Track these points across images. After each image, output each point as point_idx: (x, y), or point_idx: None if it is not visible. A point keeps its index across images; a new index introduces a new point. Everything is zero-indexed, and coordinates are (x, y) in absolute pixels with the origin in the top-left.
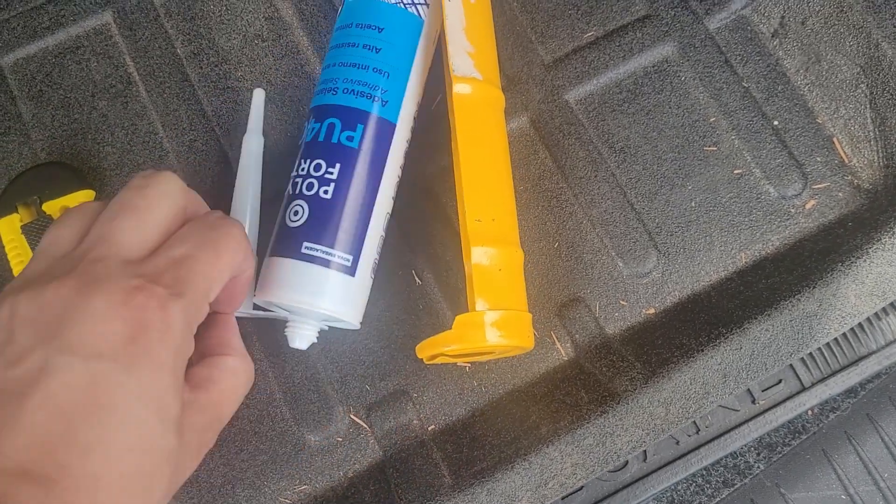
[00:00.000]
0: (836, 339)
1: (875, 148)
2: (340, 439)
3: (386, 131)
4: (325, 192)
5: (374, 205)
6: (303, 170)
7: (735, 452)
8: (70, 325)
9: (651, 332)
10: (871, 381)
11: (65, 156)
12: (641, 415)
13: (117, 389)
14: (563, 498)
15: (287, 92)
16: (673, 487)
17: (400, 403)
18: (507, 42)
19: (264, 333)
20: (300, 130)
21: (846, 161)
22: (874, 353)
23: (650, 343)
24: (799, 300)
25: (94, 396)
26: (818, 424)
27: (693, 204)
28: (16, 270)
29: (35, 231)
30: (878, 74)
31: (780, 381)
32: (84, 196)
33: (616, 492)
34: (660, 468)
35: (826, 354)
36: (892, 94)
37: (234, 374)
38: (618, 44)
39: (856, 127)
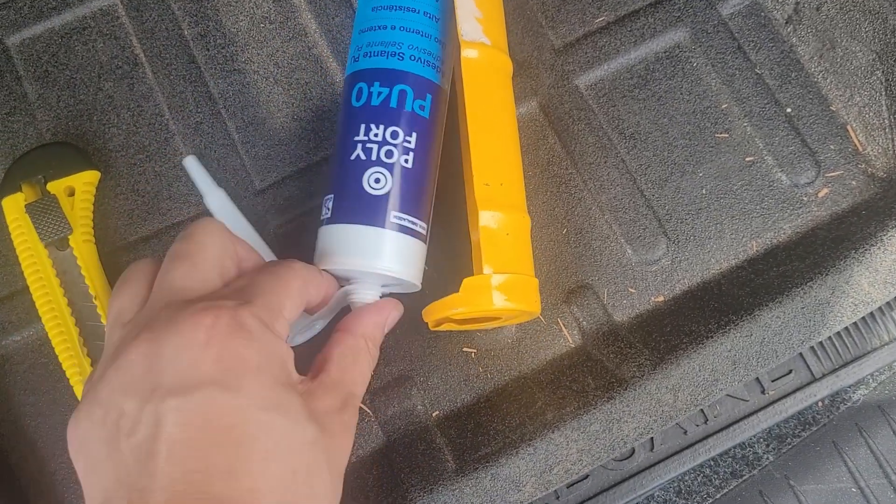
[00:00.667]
0: (847, 329)
1: (890, 136)
2: None
3: (443, 102)
4: (406, 161)
5: (436, 174)
6: (375, 135)
7: (744, 443)
8: (161, 374)
9: (660, 319)
10: (882, 372)
11: (70, 136)
12: (649, 401)
13: (228, 408)
14: (568, 486)
15: (294, 74)
16: (680, 477)
17: (404, 389)
18: (517, 26)
19: None
20: (306, 113)
21: (860, 149)
22: (886, 343)
23: (658, 330)
24: (811, 287)
25: (212, 423)
26: (829, 416)
27: (704, 191)
28: (19, 249)
29: (39, 210)
30: (894, 61)
31: (790, 372)
32: (89, 176)
33: (622, 481)
34: (667, 458)
35: (837, 345)
36: None
37: (345, 346)
38: (629, 29)
39: (870, 114)
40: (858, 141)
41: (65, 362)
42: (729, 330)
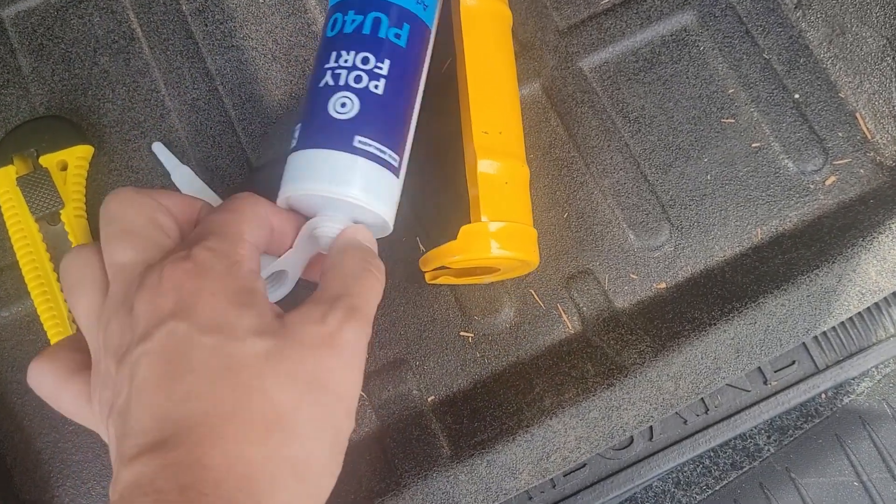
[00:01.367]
0: (852, 320)
1: None
2: None
3: (425, 36)
4: (376, 86)
5: (414, 110)
6: (345, 61)
7: (745, 434)
8: (133, 330)
9: (661, 306)
10: (887, 364)
11: (64, 111)
12: (649, 389)
13: (181, 336)
14: (565, 475)
15: (293, 51)
16: (679, 468)
17: (399, 373)
18: (521, 7)
19: None
20: (304, 91)
21: (869, 137)
22: (892, 335)
23: (660, 317)
24: (817, 275)
25: (171, 355)
26: (832, 408)
27: (708, 177)
28: (9, 223)
29: (31, 184)
30: None
31: (793, 363)
32: (82, 151)
33: (620, 470)
34: (666, 447)
35: (842, 336)
36: None
37: (330, 261)
38: (635, 11)
39: (880, 102)
40: (867, 128)
41: (53, 339)
42: (732, 317)
